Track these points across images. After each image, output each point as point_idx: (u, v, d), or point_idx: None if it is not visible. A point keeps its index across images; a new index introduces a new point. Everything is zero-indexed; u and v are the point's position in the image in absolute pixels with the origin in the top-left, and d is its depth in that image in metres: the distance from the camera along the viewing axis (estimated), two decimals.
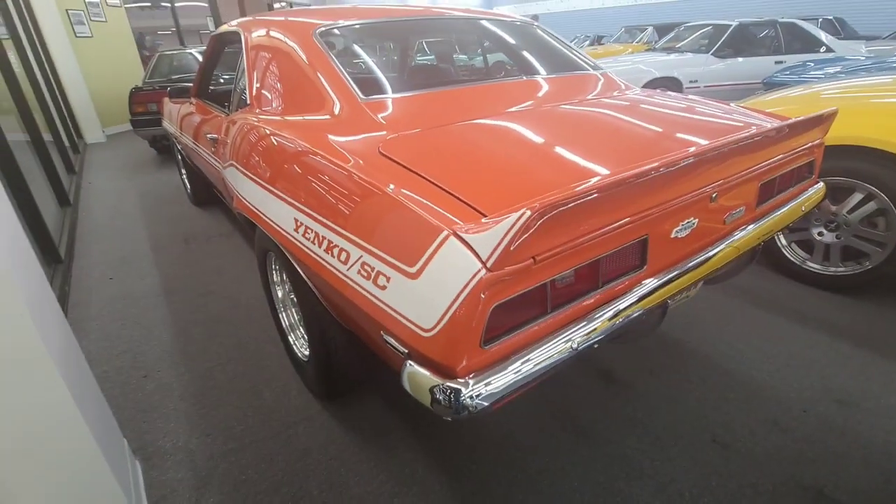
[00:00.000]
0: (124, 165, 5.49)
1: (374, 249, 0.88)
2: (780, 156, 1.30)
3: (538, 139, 1.19)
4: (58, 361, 0.94)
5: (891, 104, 1.99)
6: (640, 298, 0.98)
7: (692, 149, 0.97)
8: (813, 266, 2.14)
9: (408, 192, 0.88)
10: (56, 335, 1.06)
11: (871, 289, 2.02)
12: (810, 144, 1.43)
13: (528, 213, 0.66)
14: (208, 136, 2.12)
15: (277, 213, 1.24)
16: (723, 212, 1.16)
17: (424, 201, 0.85)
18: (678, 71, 6.15)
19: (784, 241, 2.23)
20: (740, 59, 6.24)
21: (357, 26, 1.67)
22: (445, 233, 0.75)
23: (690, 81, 6.15)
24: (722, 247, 1.15)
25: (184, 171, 3.80)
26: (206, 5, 11.05)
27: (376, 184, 0.92)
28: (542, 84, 1.68)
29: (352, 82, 1.33)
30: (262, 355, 1.86)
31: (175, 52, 6.36)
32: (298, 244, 1.13)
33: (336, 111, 1.28)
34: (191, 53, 6.27)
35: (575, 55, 1.99)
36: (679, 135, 1.26)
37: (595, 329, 0.89)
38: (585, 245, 0.84)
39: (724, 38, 6.25)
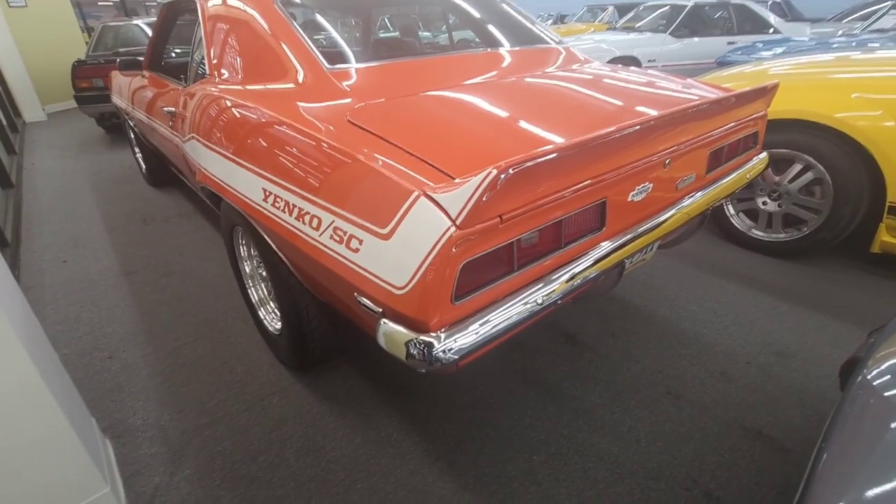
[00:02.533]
0: (70, 145, 5.17)
1: (345, 214, 0.90)
2: (727, 125, 1.39)
3: (502, 109, 1.22)
4: (23, 341, 0.92)
5: (826, 80, 2.13)
6: (601, 258, 1.04)
7: (644, 117, 1.03)
8: (758, 233, 2.29)
9: (379, 158, 0.90)
10: (18, 314, 1.03)
11: (809, 253, 2.19)
12: (755, 116, 1.53)
13: (495, 171, 0.70)
14: (164, 109, 2.04)
15: (245, 184, 1.23)
16: (675, 178, 1.24)
17: (395, 165, 0.87)
18: (637, 50, 6.29)
19: (732, 211, 2.37)
20: (696, 39, 6.44)
21: None
22: (416, 193, 0.78)
23: (649, 60, 6.31)
24: (674, 211, 1.22)
25: (137, 150, 3.63)
26: None
27: (347, 150, 0.94)
28: (505, 56, 1.71)
29: (316, 51, 1.32)
30: (231, 332, 1.85)
31: (120, 23, 5.97)
32: (268, 214, 1.13)
33: (300, 80, 1.27)
34: (137, 25, 5.89)
35: (537, 29, 2.02)
36: (636, 105, 1.33)
37: (557, 287, 0.95)
38: (548, 206, 0.89)
39: (680, 19, 6.42)
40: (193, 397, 1.53)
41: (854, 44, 4.53)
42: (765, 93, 1.46)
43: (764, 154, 1.70)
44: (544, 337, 1.74)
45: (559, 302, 0.94)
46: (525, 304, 0.88)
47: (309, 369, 1.61)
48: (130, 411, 1.49)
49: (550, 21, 13.23)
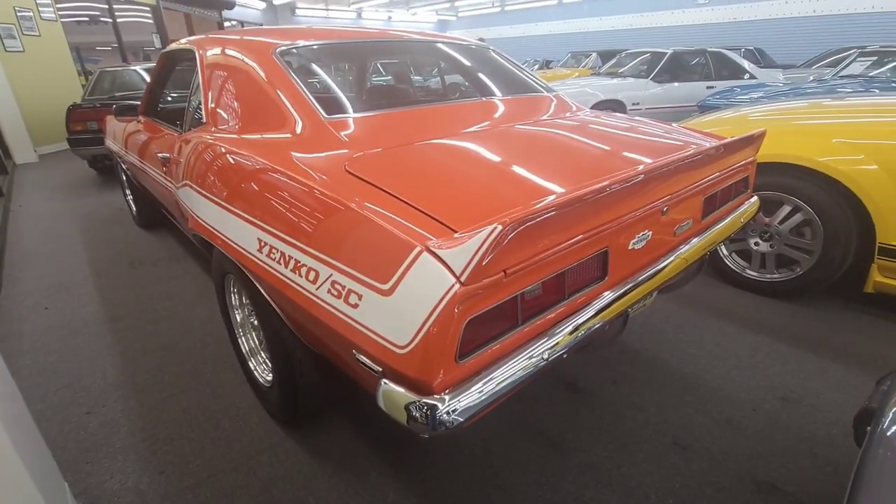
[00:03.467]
0: (60, 186, 5.13)
1: (344, 268, 0.87)
2: (720, 172, 1.41)
3: (498, 158, 1.23)
4: None
5: (807, 125, 2.21)
6: (604, 308, 1.02)
7: (644, 166, 1.03)
8: (751, 274, 2.30)
9: (378, 209, 0.88)
10: None
11: (804, 293, 2.20)
12: (745, 161, 1.56)
13: (500, 227, 0.69)
14: (159, 155, 2.03)
15: (239, 233, 1.20)
16: (673, 224, 1.24)
17: (395, 218, 0.85)
18: (622, 94, 6.54)
19: (725, 251, 2.39)
20: (676, 84, 6.72)
21: (316, 46, 1.67)
22: (418, 249, 0.76)
23: (633, 104, 6.55)
24: (673, 257, 1.22)
25: (129, 192, 3.60)
26: (151, 21, 10.68)
27: (345, 201, 0.92)
28: (497, 105, 1.75)
29: (314, 101, 1.33)
30: (219, 383, 1.77)
31: (117, 68, 6.08)
32: (263, 265, 1.10)
33: (298, 130, 1.27)
34: (135, 70, 6.01)
35: (528, 77, 2.08)
36: (629, 153, 1.35)
37: (563, 339, 0.92)
38: (552, 258, 0.87)
39: (661, 65, 6.72)
40: (177, 456, 1.44)
41: (826, 89, 4.76)
42: (754, 140, 1.50)
43: (755, 198, 1.73)
44: (543, 384, 1.69)
45: (565, 355, 0.91)
46: (530, 358, 0.85)
47: (301, 424, 1.53)
48: (107, 474, 1.39)
49: (536, 66, 13.80)
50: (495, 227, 0.69)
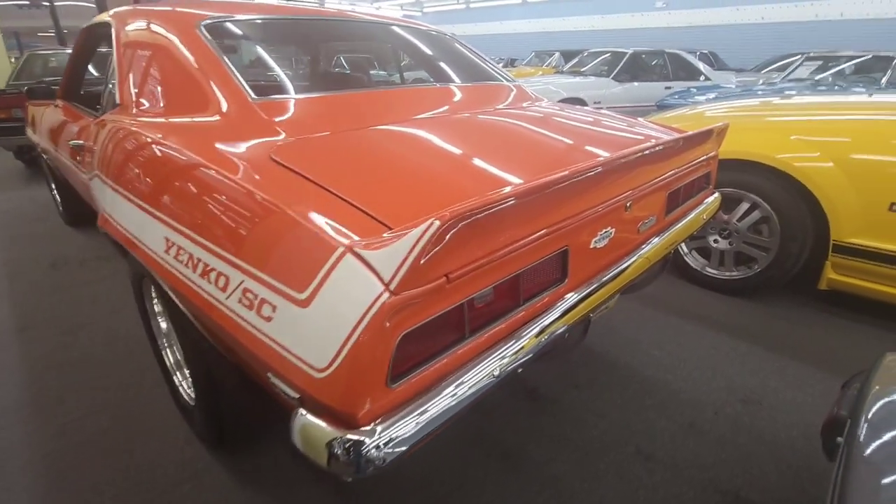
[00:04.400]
0: None
1: (257, 272, 0.72)
2: (683, 166, 1.34)
3: (452, 147, 1.11)
4: None
5: (765, 122, 2.21)
6: (565, 313, 0.92)
7: (606, 157, 0.94)
8: (711, 271, 2.29)
9: (298, 203, 0.74)
10: None
11: (761, 291, 2.20)
12: (707, 156, 1.51)
13: (437, 223, 0.56)
14: (71, 142, 1.80)
15: (145, 231, 1.03)
16: (636, 221, 1.16)
17: (318, 213, 0.71)
18: (584, 93, 6.57)
19: (686, 249, 2.37)
20: (636, 84, 6.82)
21: (252, 21, 1.49)
22: (340, 249, 0.63)
23: (595, 102, 6.60)
24: (637, 256, 1.13)
25: (53, 185, 3.26)
26: (94, 5, 9.94)
27: (260, 192, 0.77)
28: (455, 91, 1.63)
29: (242, 80, 1.17)
30: (144, 400, 1.57)
31: (49, 51, 5.59)
32: (171, 268, 0.93)
33: (221, 113, 1.10)
34: (69, 53, 5.53)
35: (489, 66, 1.97)
36: (591, 144, 1.25)
37: (519, 350, 0.81)
38: (504, 259, 0.76)
39: (621, 64, 6.81)
40: (85, 489, 1.25)
41: (775, 92, 4.92)
42: (716, 134, 1.44)
43: (717, 194, 1.68)
44: (502, 391, 1.59)
45: (520, 370, 0.80)
46: (480, 376, 0.73)
47: (230, 446, 1.36)
48: None
49: (501, 64, 13.81)
50: (431, 223, 0.56)
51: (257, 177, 0.84)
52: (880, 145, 1.80)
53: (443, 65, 1.88)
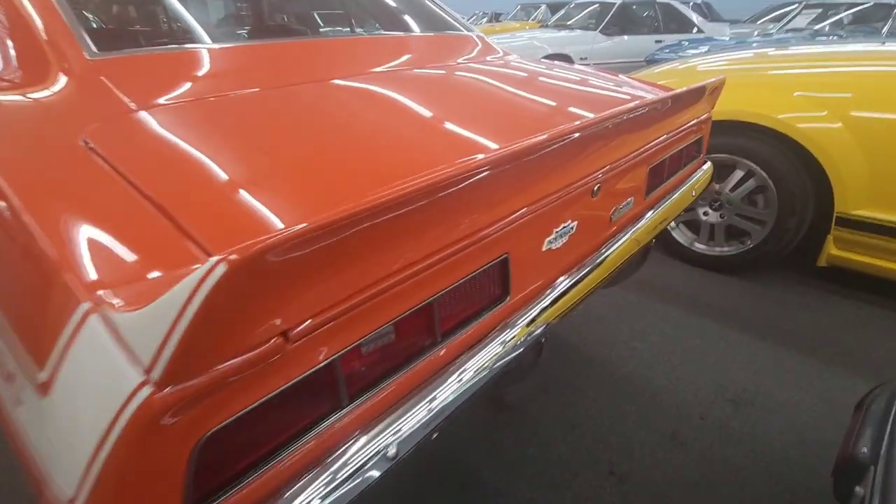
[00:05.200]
0: None
1: (8, 329, 0.47)
2: (671, 132, 1.09)
3: (375, 115, 0.84)
4: None
5: (765, 77, 1.94)
6: (508, 342, 0.69)
7: (566, 126, 0.68)
8: (699, 247, 2.07)
9: (75, 217, 0.48)
10: None
11: (753, 268, 1.99)
12: (699, 119, 1.25)
13: (223, 269, 0.31)
14: None
15: None
16: (608, 207, 0.91)
17: (99, 233, 0.46)
18: (570, 48, 6.17)
19: (673, 223, 2.14)
20: (625, 38, 6.41)
21: None
22: (83, 308, 0.38)
23: (581, 58, 6.20)
24: (609, 252, 0.90)
25: None
26: None
27: (18, 200, 0.51)
28: (399, 43, 1.33)
29: (76, 24, 0.86)
30: None
31: None
32: None
33: (42, 73, 0.81)
34: None
35: (446, 14, 1.65)
36: (561, 111, 0.98)
37: (437, 408, 0.58)
38: (400, 287, 0.51)
39: (609, 17, 6.37)
40: None
41: (771, 43, 4.59)
42: (710, 91, 1.18)
43: (708, 164, 1.44)
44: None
45: (434, 436, 0.58)
46: (365, 461, 0.50)
47: None
48: None
49: (486, 20, 13.08)
50: (212, 268, 0.31)
51: (37, 172, 0.57)
52: None
53: (387, 9, 1.57)
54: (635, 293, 1.90)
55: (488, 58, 1.45)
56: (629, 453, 1.22)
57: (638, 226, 1.00)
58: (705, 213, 2.02)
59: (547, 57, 6.02)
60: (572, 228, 0.80)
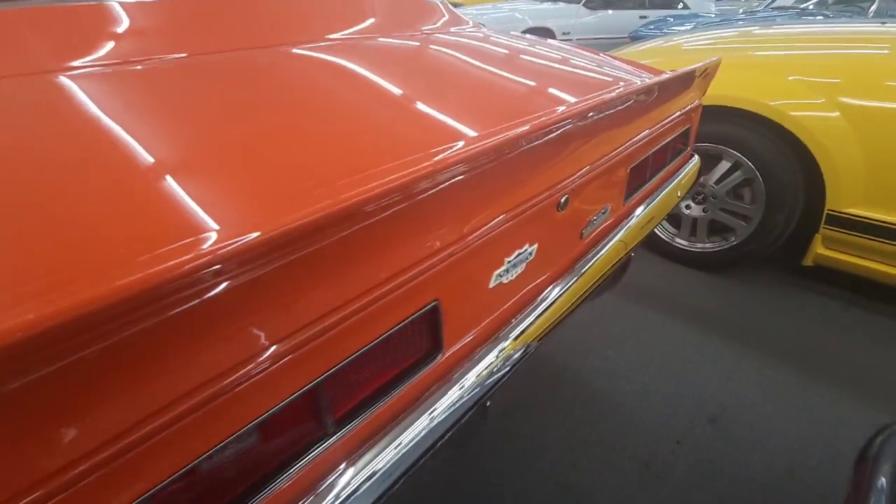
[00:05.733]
0: None
1: None
2: (657, 124, 0.92)
3: (273, 110, 0.62)
4: None
5: (756, 58, 1.77)
6: (439, 412, 0.52)
7: (527, 128, 0.50)
8: (681, 243, 1.93)
9: None
10: None
11: (735, 265, 1.87)
12: (689, 107, 1.08)
13: None
14: None
15: None
16: (578, 221, 0.74)
17: None
18: (552, 21, 5.90)
19: None
20: (610, 12, 6.17)
21: None
22: None
23: (563, 33, 5.95)
24: (575, 279, 0.73)
25: None
26: None
27: None
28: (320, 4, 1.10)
29: None
30: None
31: None
32: None
33: None
34: None
35: None
36: (517, 100, 0.79)
37: None
38: (272, 370, 0.34)
39: None
40: None
41: (757, 20, 4.44)
42: (703, 75, 1.01)
43: (696, 159, 1.27)
44: None
45: None
46: None
47: None
48: None
49: None
50: None
51: None
52: None
53: None
54: (611, 293, 1.76)
55: (453, 29, 1.23)
56: (596, 486, 1.09)
57: (615, 239, 0.83)
58: (687, 207, 1.88)
59: (528, 31, 5.74)
60: (530, 254, 0.62)
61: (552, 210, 0.64)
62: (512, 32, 1.38)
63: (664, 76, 0.84)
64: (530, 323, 0.64)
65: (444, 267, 0.49)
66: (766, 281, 1.85)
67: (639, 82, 0.79)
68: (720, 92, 1.65)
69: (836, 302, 1.72)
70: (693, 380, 1.39)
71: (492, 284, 0.57)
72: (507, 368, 0.60)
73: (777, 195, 1.64)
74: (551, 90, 0.78)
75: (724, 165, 1.73)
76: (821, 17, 4.82)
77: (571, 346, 1.50)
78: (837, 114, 1.45)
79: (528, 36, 1.35)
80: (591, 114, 0.63)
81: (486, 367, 0.57)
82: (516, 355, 0.61)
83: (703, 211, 1.85)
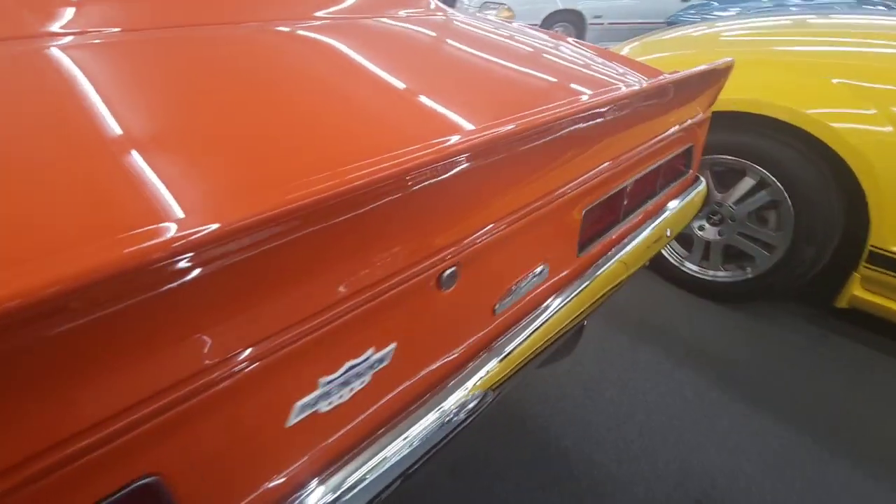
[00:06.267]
0: None
1: None
2: (635, 150, 0.69)
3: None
4: None
5: (798, 55, 1.47)
6: None
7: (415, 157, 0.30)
8: (690, 267, 1.67)
9: None
10: None
11: (752, 299, 1.60)
12: (689, 122, 0.84)
13: None
14: None
15: None
16: (484, 296, 0.53)
17: None
18: (582, 4, 5.49)
19: None
20: None
21: None
22: None
23: (595, 17, 5.54)
24: (475, 380, 0.52)
25: None
26: None
27: None
28: None
29: None
30: None
31: None
32: None
33: None
34: None
35: None
36: (450, 120, 0.58)
37: None
38: None
39: None
40: None
41: (815, 8, 3.98)
42: (710, 80, 0.77)
43: (701, 185, 1.02)
44: None
45: None
46: None
47: None
48: None
49: None
50: None
51: None
52: None
53: None
54: (602, 320, 1.53)
55: (402, 13, 1.01)
56: None
57: (555, 308, 0.61)
58: (701, 228, 1.61)
59: (556, 13, 5.38)
60: (381, 361, 0.42)
61: (428, 289, 0.44)
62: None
63: (646, 85, 0.61)
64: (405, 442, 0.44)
65: (169, 422, 0.29)
66: (786, 320, 1.58)
67: (604, 94, 0.57)
68: (747, 95, 1.38)
69: (870, 352, 1.44)
70: (680, 444, 1.16)
71: (294, 420, 0.37)
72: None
73: (808, 223, 1.36)
74: (450, 113, 0.56)
75: (748, 183, 1.46)
76: (882, 7, 4.28)
77: (541, 393, 1.29)
78: (891, 129, 1.16)
79: (493, 19, 1.11)
80: (499, 148, 0.42)
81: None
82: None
83: (719, 234, 1.58)
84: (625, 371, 1.36)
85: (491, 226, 0.49)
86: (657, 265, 1.74)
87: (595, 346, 1.44)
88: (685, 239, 1.68)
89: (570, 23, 5.41)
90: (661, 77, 0.69)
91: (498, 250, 0.51)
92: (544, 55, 0.84)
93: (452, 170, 0.38)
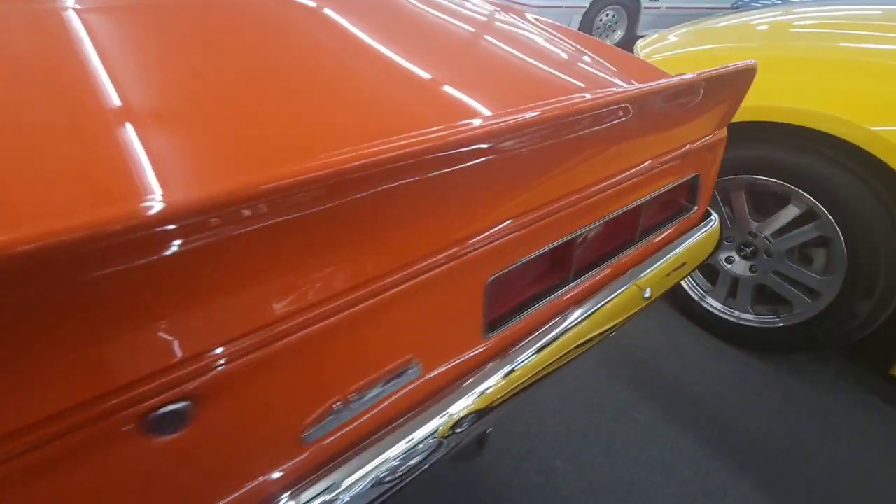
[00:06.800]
0: None
1: None
2: (598, 185, 0.48)
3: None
4: None
5: (871, 54, 1.16)
6: None
7: None
8: (713, 304, 1.41)
9: None
10: None
11: (785, 351, 1.33)
12: (694, 145, 0.62)
13: None
14: None
15: None
16: (284, 423, 0.35)
17: None
18: None
19: None
20: None
21: None
22: None
23: (651, 0, 5.05)
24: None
25: None
26: None
27: None
28: None
29: None
30: None
31: None
32: None
33: None
34: None
35: None
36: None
37: None
38: None
39: None
40: None
41: None
42: (722, 88, 0.54)
43: (715, 220, 0.79)
44: None
45: None
46: None
47: None
48: None
49: None
50: None
51: None
52: None
53: None
54: (594, 363, 1.31)
55: None
56: None
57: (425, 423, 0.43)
58: (729, 260, 1.35)
59: None
60: None
61: (127, 434, 0.27)
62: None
63: (638, 89, 0.41)
64: None
65: None
66: (829, 380, 1.30)
67: (546, 108, 0.37)
68: (798, 104, 1.10)
69: None
70: None
71: None
72: None
73: (865, 269, 1.08)
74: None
75: (791, 212, 1.19)
76: None
77: (503, 445, 1.10)
78: None
79: (495, 6, 0.89)
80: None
81: None
82: None
83: (751, 269, 1.31)
84: (608, 434, 1.13)
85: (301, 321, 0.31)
86: (674, 299, 1.49)
87: (579, 391, 1.22)
88: (710, 270, 1.41)
89: (622, 5, 4.96)
90: (678, 78, 0.48)
91: (300, 355, 0.33)
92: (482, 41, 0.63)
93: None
